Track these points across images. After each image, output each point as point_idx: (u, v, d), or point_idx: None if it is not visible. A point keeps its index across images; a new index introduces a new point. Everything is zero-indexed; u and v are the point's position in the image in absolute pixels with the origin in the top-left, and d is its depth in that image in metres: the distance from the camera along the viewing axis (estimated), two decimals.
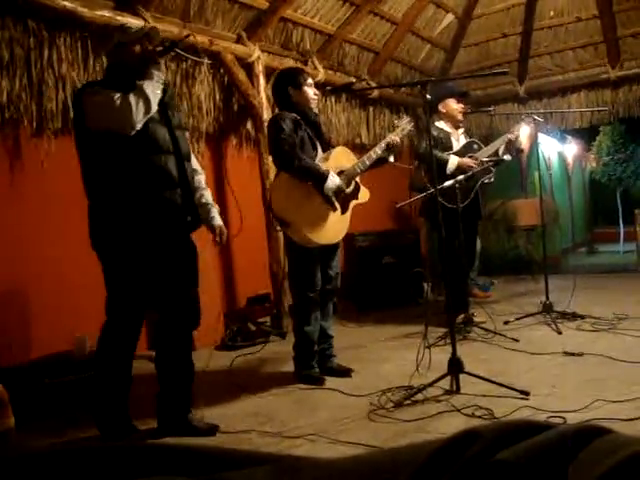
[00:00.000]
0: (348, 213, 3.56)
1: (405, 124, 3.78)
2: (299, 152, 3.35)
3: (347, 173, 3.52)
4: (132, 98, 2.49)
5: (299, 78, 3.53)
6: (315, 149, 3.50)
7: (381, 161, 3.66)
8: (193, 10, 4.44)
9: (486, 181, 4.72)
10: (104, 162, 2.60)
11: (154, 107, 2.56)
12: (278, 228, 3.48)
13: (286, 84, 3.55)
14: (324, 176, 3.34)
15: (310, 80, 3.58)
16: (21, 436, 2.82)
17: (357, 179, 3.62)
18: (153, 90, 2.56)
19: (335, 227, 3.46)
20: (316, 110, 3.68)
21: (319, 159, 3.50)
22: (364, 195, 3.67)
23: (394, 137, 3.67)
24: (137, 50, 2.66)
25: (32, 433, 2.85)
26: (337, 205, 3.45)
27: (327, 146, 3.64)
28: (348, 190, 3.53)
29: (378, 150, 3.61)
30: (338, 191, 3.42)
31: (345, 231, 3.58)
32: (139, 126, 2.52)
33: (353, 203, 3.60)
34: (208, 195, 2.95)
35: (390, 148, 3.65)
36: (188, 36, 3.05)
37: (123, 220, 2.62)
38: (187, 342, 2.81)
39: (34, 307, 3.70)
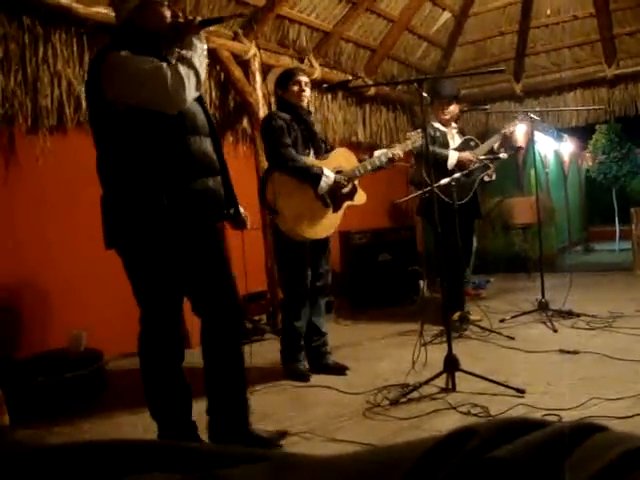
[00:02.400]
0: (340, 212, 3.57)
1: (417, 137, 3.74)
2: (293, 152, 3.37)
3: (345, 174, 3.55)
4: (183, 69, 2.06)
5: (285, 78, 3.57)
6: (308, 148, 3.53)
7: (380, 168, 3.68)
8: (189, 7, 4.43)
9: (486, 179, 4.73)
10: (132, 144, 2.16)
11: (202, 83, 2.18)
12: (270, 216, 3.47)
13: (276, 86, 3.63)
14: (318, 177, 3.37)
15: (299, 78, 3.54)
16: (16, 434, 2.82)
17: (355, 182, 3.63)
18: (201, 63, 2.16)
19: (324, 223, 3.48)
20: (310, 108, 3.70)
21: (320, 157, 3.53)
22: (360, 198, 3.68)
23: (399, 151, 3.65)
24: (166, 14, 2.20)
25: (27, 431, 2.84)
26: (329, 202, 3.47)
27: (320, 144, 3.64)
28: (344, 190, 3.54)
29: (383, 158, 3.62)
30: (333, 189, 3.43)
31: (334, 229, 3.59)
32: (188, 104, 2.14)
33: (347, 203, 3.61)
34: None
35: (393, 160, 3.65)
36: (240, 15, 2.61)
37: (156, 214, 2.17)
38: (235, 343, 2.43)
39: (30, 303, 3.69)
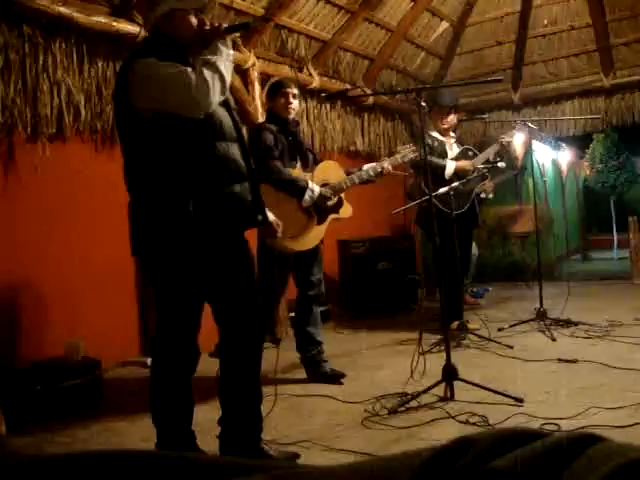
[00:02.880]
0: (325, 225, 3.58)
1: (408, 152, 3.78)
2: (279, 164, 3.40)
3: (332, 187, 3.57)
4: (207, 74, 2.07)
5: (273, 89, 3.62)
6: (295, 160, 3.56)
7: (369, 181, 3.70)
8: None
9: (483, 196, 4.77)
10: (159, 150, 2.16)
11: (228, 87, 2.18)
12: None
13: (266, 98, 3.70)
14: (302, 190, 3.40)
15: (286, 90, 3.54)
16: (12, 443, 2.80)
17: (342, 195, 3.65)
18: (226, 68, 2.16)
19: (308, 235, 3.49)
20: (296, 118, 3.72)
21: (307, 170, 3.56)
22: (346, 211, 3.69)
23: (388, 166, 3.67)
24: (193, 22, 2.21)
25: (24, 440, 2.83)
26: (314, 214, 3.50)
27: (307, 156, 3.66)
28: (330, 203, 3.56)
29: (372, 172, 3.65)
30: (318, 201, 3.45)
31: (317, 241, 3.57)
32: (213, 108, 2.14)
33: (332, 216, 3.61)
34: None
35: (382, 174, 3.66)
36: (268, 20, 2.60)
37: (186, 220, 2.15)
38: (254, 356, 2.40)
39: (27, 312, 3.68)
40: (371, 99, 6.65)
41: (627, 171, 11.54)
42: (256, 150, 3.42)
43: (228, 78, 2.18)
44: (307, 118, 6.00)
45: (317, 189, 3.46)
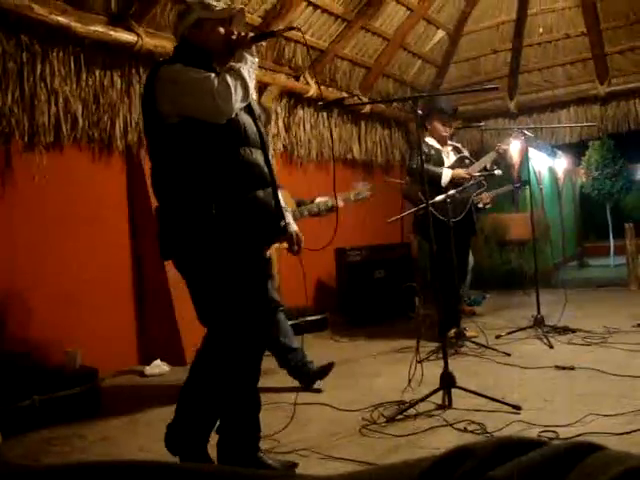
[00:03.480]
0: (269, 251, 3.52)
1: (364, 190, 3.78)
2: None
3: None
4: (230, 80, 2.11)
5: None
6: None
7: (319, 214, 3.68)
8: None
9: (480, 206, 4.77)
10: (185, 155, 2.19)
11: (251, 94, 2.22)
12: None
13: None
14: None
15: None
16: (9, 453, 2.79)
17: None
18: (250, 75, 2.19)
19: None
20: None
21: None
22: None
23: (340, 202, 3.59)
24: (220, 31, 2.26)
25: (20, 450, 2.82)
26: None
27: None
28: None
29: (322, 207, 3.64)
30: None
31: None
32: (234, 113, 2.16)
33: (276, 245, 3.40)
34: (281, 197, 2.54)
35: (332, 210, 3.57)
36: (293, 28, 2.60)
37: (211, 224, 2.16)
38: (257, 367, 2.42)
39: (24, 320, 3.67)
40: (368, 107, 6.68)
41: (623, 178, 11.58)
42: None
43: (251, 84, 2.21)
44: (304, 126, 6.02)
45: None
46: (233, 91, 2.11)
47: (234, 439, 2.35)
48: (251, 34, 2.30)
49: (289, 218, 2.55)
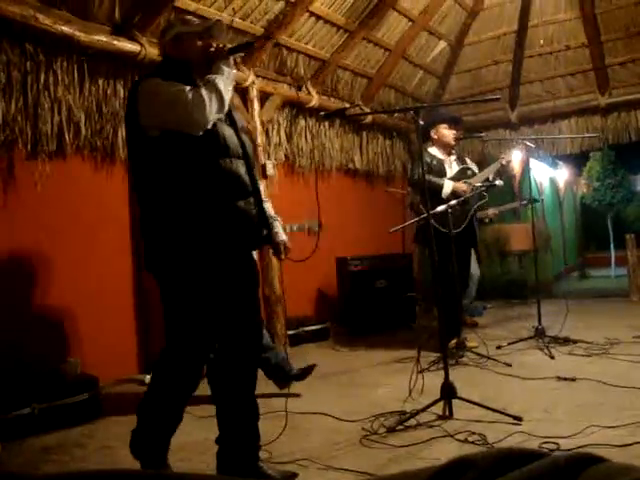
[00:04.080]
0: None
1: (314, 223, 3.88)
2: None
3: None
4: (204, 92, 2.16)
5: None
6: None
7: None
8: None
9: (486, 221, 4.78)
10: (165, 167, 2.24)
11: (227, 105, 2.25)
12: None
13: None
14: None
15: None
16: (8, 462, 2.78)
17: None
18: (225, 86, 2.24)
19: None
20: None
21: None
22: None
23: (290, 232, 3.70)
24: (199, 44, 2.34)
25: (20, 459, 2.81)
26: None
27: None
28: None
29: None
30: None
31: None
32: (210, 125, 2.20)
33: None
34: (269, 207, 2.63)
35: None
36: (269, 37, 2.72)
37: (191, 235, 2.22)
38: (251, 374, 2.43)
39: (25, 328, 3.67)
40: (369, 117, 6.70)
41: (624, 189, 11.60)
42: None
43: (227, 96, 2.25)
44: (305, 136, 6.04)
45: None
46: (207, 103, 2.16)
47: (233, 449, 2.36)
48: (228, 46, 2.36)
49: (278, 228, 2.60)
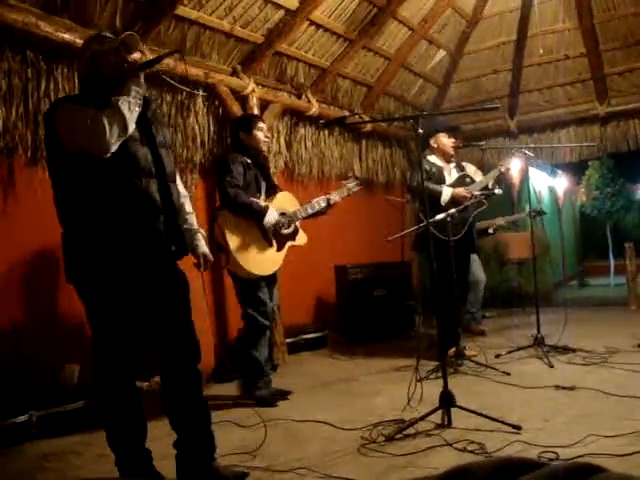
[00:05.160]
0: (283, 252, 3.83)
1: (353, 186, 4.15)
2: (241, 192, 3.63)
3: (288, 216, 3.85)
4: (105, 117, 2.22)
5: (250, 123, 3.90)
6: (259, 192, 3.82)
7: (320, 212, 3.99)
8: (189, 43, 4.51)
9: (490, 231, 4.79)
10: (79, 186, 2.35)
11: (131, 127, 2.29)
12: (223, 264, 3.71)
13: (238, 129, 3.91)
14: (264, 211, 3.65)
15: (261, 124, 3.91)
16: (5, 470, 2.77)
17: (297, 223, 3.91)
18: (130, 108, 2.28)
19: (268, 261, 3.74)
20: (266, 152, 4.09)
21: (263, 200, 3.79)
22: (301, 238, 3.97)
23: (336, 197, 4.03)
24: (113, 60, 2.39)
25: (16, 466, 2.80)
26: (273, 241, 3.73)
27: (272, 187, 3.95)
28: (287, 231, 3.82)
29: (322, 203, 3.96)
30: (277, 226, 3.72)
31: (277, 267, 3.83)
32: (114, 148, 2.26)
33: (289, 244, 3.87)
34: (193, 220, 2.70)
35: (330, 205, 3.97)
36: (175, 52, 2.79)
37: (102, 250, 2.33)
38: (194, 379, 2.50)
39: (23, 334, 3.66)
40: (369, 126, 6.72)
41: (623, 197, 11.62)
42: (221, 176, 3.71)
43: (132, 117, 2.29)
44: (305, 144, 6.05)
45: (275, 214, 3.71)
46: (107, 130, 2.21)
47: (188, 452, 2.47)
48: (142, 61, 2.46)
49: (199, 240, 2.68)
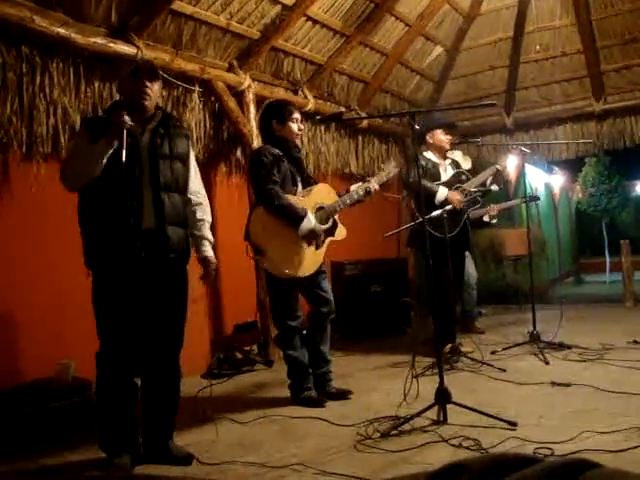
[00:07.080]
0: (323, 249, 3.61)
1: (391, 168, 3.85)
2: (279, 190, 3.41)
3: (327, 210, 3.60)
4: (74, 159, 2.58)
5: (284, 112, 3.60)
6: (295, 184, 3.59)
7: (359, 201, 3.74)
8: (185, 38, 4.49)
9: (486, 219, 4.78)
10: (85, 195, 2.65)
11: (98, 169, 2.49)
12: (251, 255, 3.49)
13: (271, 117, 3.63)
14: (300, 219, 3.41)
15: (296, 115, 3.63)
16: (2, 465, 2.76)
17: (336, 217, 3.67)
18: (101, 151, 2.47)
19: (308, 260, 3.51)
20: (299, 144, 3.77)
21: (300, 194, 3.58)
22: (341, 233, 3.72)
23: (375, 185, 3.71)
24: (127, 86, 2.70)
25: (10, 465, 2.79)
26: (312, 241, 3.51)
27: (308, 181, 3.71)
28: (325, 227, 3.58)
29: (360, 192, 3.68)
30: (311, 234, 3.47)
31: (318, 265, 3.60)
32: (78, 189, 2.60)
33: (329, 240, 3.64)
34: (201, 226, 2.84)
35: (369, 193, 3.70)
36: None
37: (97, 248, 2.69)
38: (172, 368, 2.79)
39: (18, 331, 3.65)
40: (365, 122, 6.71)
41: (619, 195, 11.64)
42: (255, 173, 3.49)
43: (101, 160, 2.48)
44: (301, 140, 6.03)
45: (313, 221, 3.48)
46: (71, 174, 2.55)
47: (152, 429, 2.78)
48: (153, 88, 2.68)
49: (205, 246, 2.85)
